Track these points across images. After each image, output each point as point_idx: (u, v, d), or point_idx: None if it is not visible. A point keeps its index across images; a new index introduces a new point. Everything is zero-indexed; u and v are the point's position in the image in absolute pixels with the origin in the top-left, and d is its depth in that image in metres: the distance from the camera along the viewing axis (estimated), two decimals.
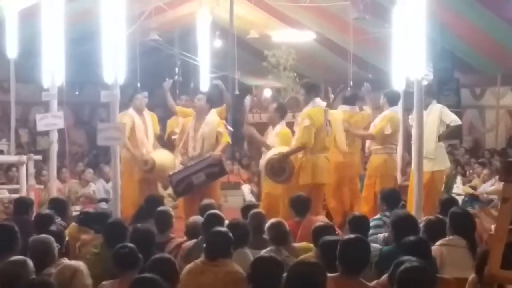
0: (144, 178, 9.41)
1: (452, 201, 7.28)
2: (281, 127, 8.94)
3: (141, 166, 9.26)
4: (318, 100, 8.63)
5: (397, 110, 9.44)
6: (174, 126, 10.17)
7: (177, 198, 8.81)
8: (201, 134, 9.00)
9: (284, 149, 8.51)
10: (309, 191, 8.30)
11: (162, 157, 9.29)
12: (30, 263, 4.74)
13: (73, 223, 6.98)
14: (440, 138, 9.17)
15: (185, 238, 6.48)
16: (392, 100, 9.39)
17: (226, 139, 9.12)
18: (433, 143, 8.76)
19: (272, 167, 8.50)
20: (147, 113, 9.66)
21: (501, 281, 3.73)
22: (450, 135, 9.49)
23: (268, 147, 8.80)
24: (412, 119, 8.52)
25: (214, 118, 9.16)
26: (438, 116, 8.97)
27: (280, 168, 8.46)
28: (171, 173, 8.95)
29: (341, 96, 10.02)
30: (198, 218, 6.62)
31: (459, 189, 11.26)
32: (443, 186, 10.90)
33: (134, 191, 9.29)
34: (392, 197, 7.42)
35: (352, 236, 5.01)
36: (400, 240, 5.30)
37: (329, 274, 4.51)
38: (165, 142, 10.50)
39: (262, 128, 9.36)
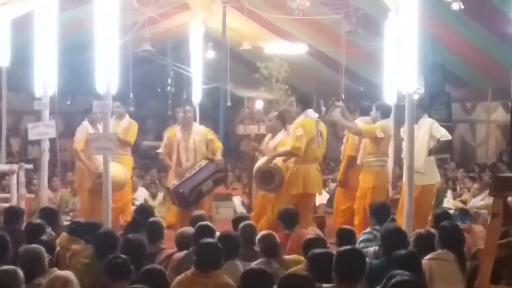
0: (95, 188, 9.36)
1: (445, 215, 7.32)
2: (282, 135, 9.02)
3: (95, 179, 9.28)
4: (310, 111, 8.69)
5: (390, 123, 9.47)
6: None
7: (185, 208, 8.74)
8: (192, 143, 9.09)
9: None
10: (299, 201, 8.33)
11: (114, 170, 9.24)
12: (21, 272, 4.74)
13: (64, 233, 6.95)
14: (430, 152, 9.20)
15: (175, 249, 6.47)
16: (385, 112, 9.41)
17: (218, 144, 9.40)
18: (423, 157, 8.78)
19: (262, 175, 8.54)
20: (125, 121, 9.79)
21: None
22: (440, 149, 9.51)
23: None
24: (404, 132, 8.57)
25: (200, 127, 9.47)
26: (428, 130, 9.00)
27: (270, 176, 8.49)
28: (173, 185, 8.94)
29: (359, 108, 9.95)
30: (187, 229, 6.62)
31: (449, 203, 11.28)
32: (434, 200, 10.93)
33: (84, 200, 9.69)
34: (382, 211, 7.43)
35: (348, 247, 5.04)
36: (390, 254, 5.33)
37: (324, 285, 4.54)
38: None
39: (259, 139, 9.49)
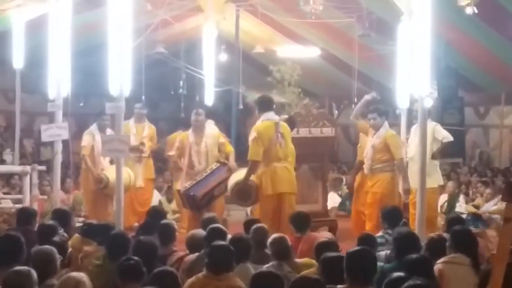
0: (98, 192, 9.76)
1: (458, 220, 7.30)
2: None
3: (97, 184, 9.61)
4: (270, 114, 8.56)
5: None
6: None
7: (197, 211, 8.75)
8: (204, 147, 9.12)
9: (243, 173, 8.53)
10: (275, 201, 8.32)
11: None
12: (34, 273, 4.76)
13: (76, 234, 6.98)
14: (434, 156, 9.22)
15: (187, 251, 6.48)
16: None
17: (230, 148, 9.46)
18: (427, 160, 8.80)
19: (238, 193, 8.54)
20: (148, 127, 9.82)
21: None
22: (443, 152, 9.53)
23: None
24: (413, 134, 8.59)
25: (213, 130, 9.45)
26: (431, 133, 9.05)
27: (246, 193, 8.50)
28: (184, 188, 8.94)
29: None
30: (198, 231, 6.63)
31: (461, 207, 11.23)
32: (446, 204, 10.91)
33: (88, 202, 10.03)
34: (394, 215, 7.42)
35: (358, 248, 5.09)
36: (402, 258, 5.31)
37: (338, 286, 4.55)
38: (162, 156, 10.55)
39: None
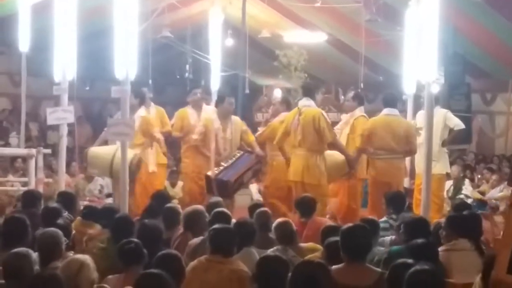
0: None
1: (465, 206, 7.28)
2: None
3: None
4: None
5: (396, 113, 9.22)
6: (183, 117, 9.92)
7: (226, 197, 8.73)
8: (230, 134, 9.36)
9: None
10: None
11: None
12: (33, 254, 4.77)
13: (78, 217, 7.00)
14: (444, 143, 9.18)
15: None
16: (389, 103, 9.12)
17: (252, 137, 9.57)
18: (437, 146, 8.78)
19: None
20: (154, 111, 9.64)
21: (507, 286, 3.72)
22: (454, 139, 9.49)
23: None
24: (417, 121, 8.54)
25: (236, 118, 9.65)
26: (442, 120, 9.03)
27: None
28: (215, 174, 8.91)
29: (383, 99, 9.66)
30: (194, 208, 6.65)
31: (467, 190, 11.18)
32: (452, 188, 10.88)
33: None
34: (398, 200, 7.40)
35: (351, 224, 5.16)
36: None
37: (334, 266, 4.65)
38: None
39: None
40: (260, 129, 9.70)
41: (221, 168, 9.01)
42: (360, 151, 8.90)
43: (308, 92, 8.85)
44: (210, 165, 9.13)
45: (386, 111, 8.98)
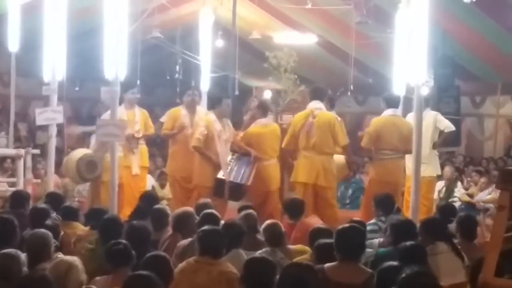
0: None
1: (449, 208, 7.33)
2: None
3: None
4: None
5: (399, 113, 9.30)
6: (176, 117, 9.83)
7: (237, 200, 8.69)
8: (227, 135, 9.20)
9: None
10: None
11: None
12: (22, 255, 4.75)
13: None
14: (435, 146, 9.19)
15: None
16: (392, 104, 9.23)
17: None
18: (427, 148, 8.80)
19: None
20: (139, 113, 9.54)
21: None
22: (445, 142, 9.51)
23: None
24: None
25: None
26: (432, 122, 9.04)
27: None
28: (221, 176, 8.80)
29: (385, 100, 9.66)
30: (183, 209, 6.66)
31: (460, 192, 11.22)
32: (444, 190, 10.91)
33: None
34: (386, 202, 7.42)
35: (346, 225, 5.21)
36: (398, 244, 5.33)
37: (327, 264, 4.70)
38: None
39: None
40: (240, 133, 9.53)
41: (228, 171, 8.84)
42: (364, 151, 9.04)
43: (319, 95, 8.95)
44: (214, 168, 8.92)
45: (390, 111, 9.06)
